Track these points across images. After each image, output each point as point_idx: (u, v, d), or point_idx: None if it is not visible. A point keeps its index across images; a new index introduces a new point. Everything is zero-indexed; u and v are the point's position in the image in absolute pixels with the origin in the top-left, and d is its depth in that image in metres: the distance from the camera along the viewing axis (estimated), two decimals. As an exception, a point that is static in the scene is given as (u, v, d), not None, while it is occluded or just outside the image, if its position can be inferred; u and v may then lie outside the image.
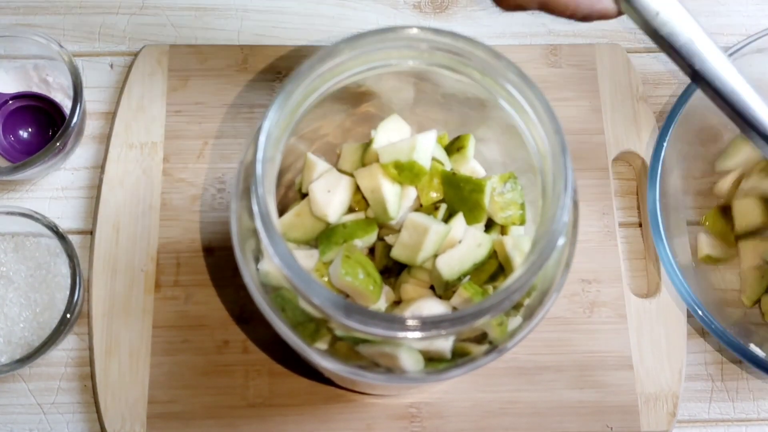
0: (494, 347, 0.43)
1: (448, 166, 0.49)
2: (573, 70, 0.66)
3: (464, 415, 0.57)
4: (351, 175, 0.48)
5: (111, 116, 0.64)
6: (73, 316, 0.56)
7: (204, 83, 0.64)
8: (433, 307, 0.45)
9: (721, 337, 0.55)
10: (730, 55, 0.60)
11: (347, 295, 0.45)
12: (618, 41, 0.68)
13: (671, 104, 0.61)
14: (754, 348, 0.55)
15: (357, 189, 0.48)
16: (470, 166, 0.50)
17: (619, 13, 0.42)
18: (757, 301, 0.61)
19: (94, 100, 0.65)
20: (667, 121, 0.60)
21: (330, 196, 0.46)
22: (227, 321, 0.58)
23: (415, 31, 0.44)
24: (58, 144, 0.58)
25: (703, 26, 0.41)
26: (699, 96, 0.60)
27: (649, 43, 0.69)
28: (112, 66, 0.66)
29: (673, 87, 0.67)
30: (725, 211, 0.63)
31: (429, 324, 0.38)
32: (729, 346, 0.55)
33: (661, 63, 0.68)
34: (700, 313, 0.56)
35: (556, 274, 0.44)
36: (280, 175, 0.47)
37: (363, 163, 0.48)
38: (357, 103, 0.49)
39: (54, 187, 0.63)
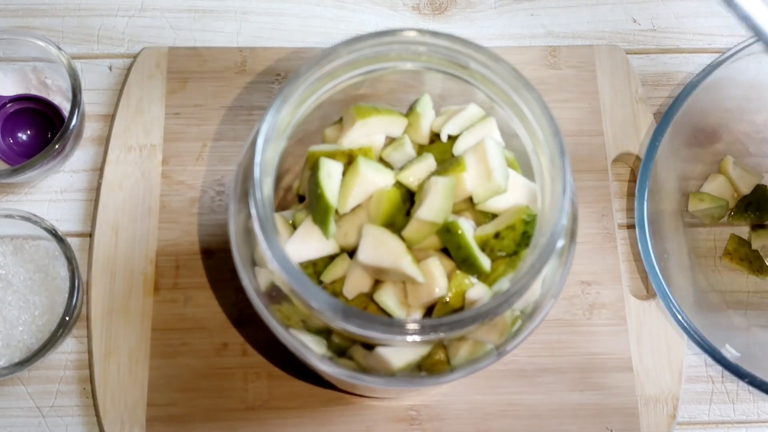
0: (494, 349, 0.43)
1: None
2: (572, 71, 0.66)
3: (464, 418, 0.57)
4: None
5: (110, 119, 0.64)
6: (72, 318, 0.56)
7: (203, 85, 0.64)
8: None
9: (693, 338, 0.56)
10: (727, 58, 0.60)
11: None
12: (617, 42, 0.68)
13: (668, 105, 0.61)
14: (728, 348, 0.55)
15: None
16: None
17: None
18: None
19: (92, 103, 0.65)
20: (662, 122, 0.60)
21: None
22: (226, 324, 0.58)
23: (413, 33, 0.44)
24: (56, 146, 0.58)
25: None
26: (696, 97, 0.60)
27: (649, 44, 0.69)
28: (110, 68, 0.66)
29: (673, 88, 0.67)
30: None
31: (427, 327, 0.38)
32: (702, 348, 0.56)
33: (660, 64, 0.68)
34: (677, 314, 0.56)
35: (555, 276, 0.44)
36: (279, 178, 0.47)
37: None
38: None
39: (53, 190, 0.63)
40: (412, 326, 0.38)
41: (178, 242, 0.60)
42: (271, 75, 0.65)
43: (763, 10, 0.41)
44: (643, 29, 0.69)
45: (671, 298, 0.56)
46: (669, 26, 0.70)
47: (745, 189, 0.64)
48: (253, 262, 0.45)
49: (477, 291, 0.43)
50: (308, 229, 0.44)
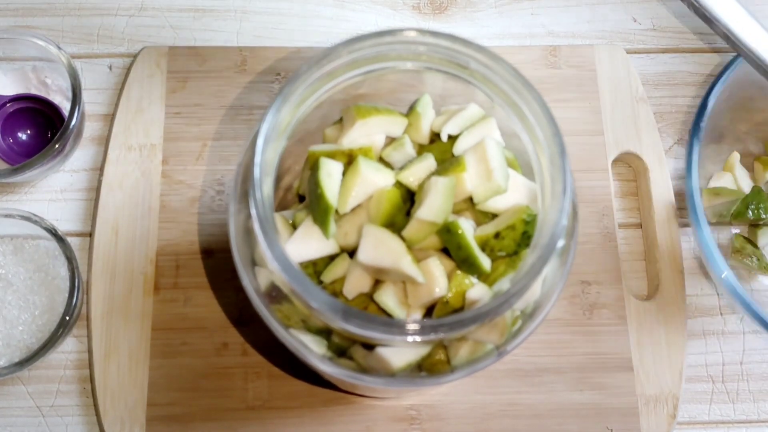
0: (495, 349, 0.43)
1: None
2: (572, 71, 0.66)
3: (464, 417, 0.57)
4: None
5: (110, 118, 0.64)
6: (72, 318, 0.56)
7: (203, 85, 0.64)
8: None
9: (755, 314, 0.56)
10: (733, 60, 0.60)
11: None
12: (617, 42, 0.68)
13: (689, 102, 0.60)
14: None
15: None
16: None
17: None
18: None
19: (92, 102, 0.65)
20: (699, 112, 0.60)
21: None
22: (226, 323, 0.58)
23: (413, 33, 0.44)
24: (56, 146, 0.58)
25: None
26: (719, 98, 0.61)
27: (649, 44, 0.69)
28: (110, 68, 0.66)
29: (673, 88, 0.67)
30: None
31: (428, 328, 0.38)
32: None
33: (661, 64, 0.68)
34: (746, 299, 0.56)
35: (555, 276, 0.44)
36: (279, 178, 0.47)
37: None
38: (356, 105, 0.49)
39: (53, 190, 0.63)
40: (412, 326, 0.38)
41: (178, 242, 0.60)
42: (271, 75, 0.65)
43: (743, 24, 0.42)
44: (643, 29, 0.69)
45: (731, 274, 0.56)
46: (669, 26, 0.70)
47: (746, 188, 0.64)
48: (253, 262, 0.45)
49: (477, 291, 0.43)
50: (308, 229, 0.44)
